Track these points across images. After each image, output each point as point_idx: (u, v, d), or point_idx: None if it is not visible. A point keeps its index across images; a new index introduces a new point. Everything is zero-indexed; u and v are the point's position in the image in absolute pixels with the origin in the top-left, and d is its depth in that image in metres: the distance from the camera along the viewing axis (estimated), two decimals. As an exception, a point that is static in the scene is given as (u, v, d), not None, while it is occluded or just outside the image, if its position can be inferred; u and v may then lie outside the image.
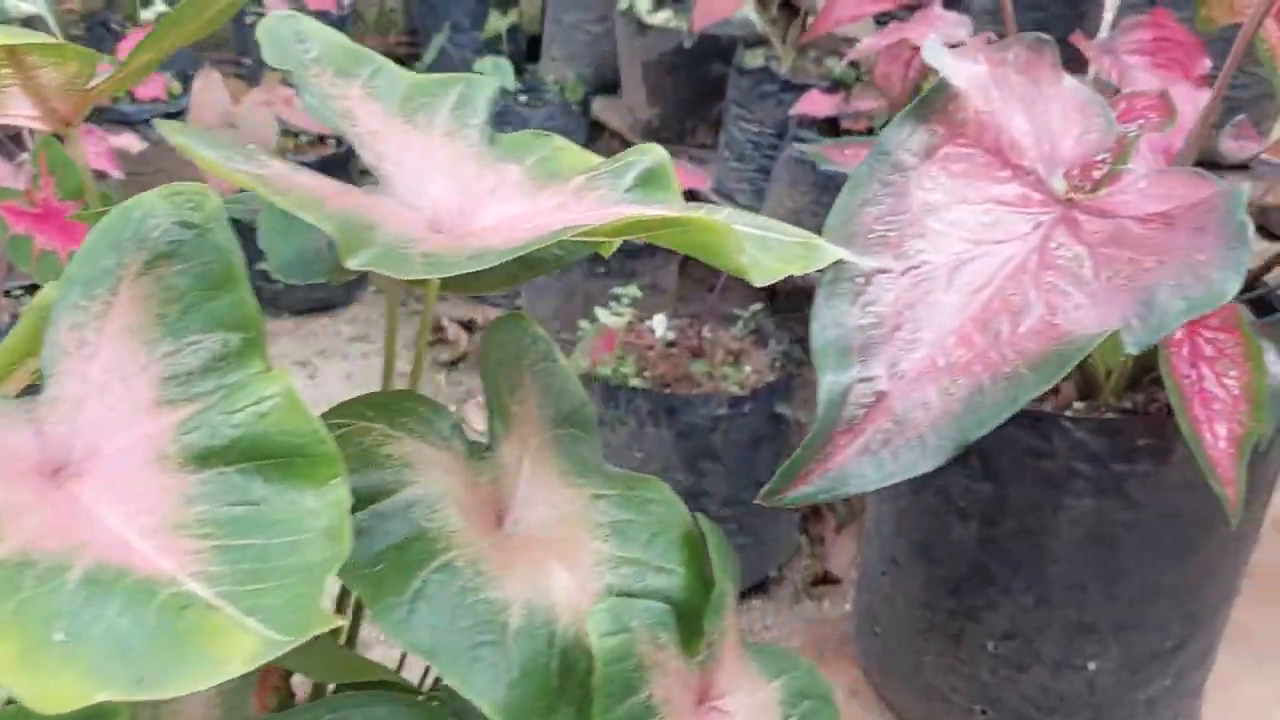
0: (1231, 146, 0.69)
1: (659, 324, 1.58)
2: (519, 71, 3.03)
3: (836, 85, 2.01)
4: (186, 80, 2.53)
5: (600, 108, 2.63)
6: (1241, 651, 1.12)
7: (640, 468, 1.50)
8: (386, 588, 0.44)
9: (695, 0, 2.02)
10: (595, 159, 0.60)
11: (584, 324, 1.56)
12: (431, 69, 2.78)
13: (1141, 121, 0.75)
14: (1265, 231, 1.73)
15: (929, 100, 0.61)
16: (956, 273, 0.56)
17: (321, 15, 2.85)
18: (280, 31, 0.56)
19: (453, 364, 2.09)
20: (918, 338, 0.52)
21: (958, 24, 1.39)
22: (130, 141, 2.04)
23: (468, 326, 2.20)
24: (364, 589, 0.44)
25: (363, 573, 0.45)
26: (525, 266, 0.57)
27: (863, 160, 0.60)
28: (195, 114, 2.05)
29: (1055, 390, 0.90)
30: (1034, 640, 0.86)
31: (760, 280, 0.51)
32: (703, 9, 1.96)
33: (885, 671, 1.01)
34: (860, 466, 0.49)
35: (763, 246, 0.53)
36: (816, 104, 1.75)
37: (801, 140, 1.76)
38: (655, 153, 0.59)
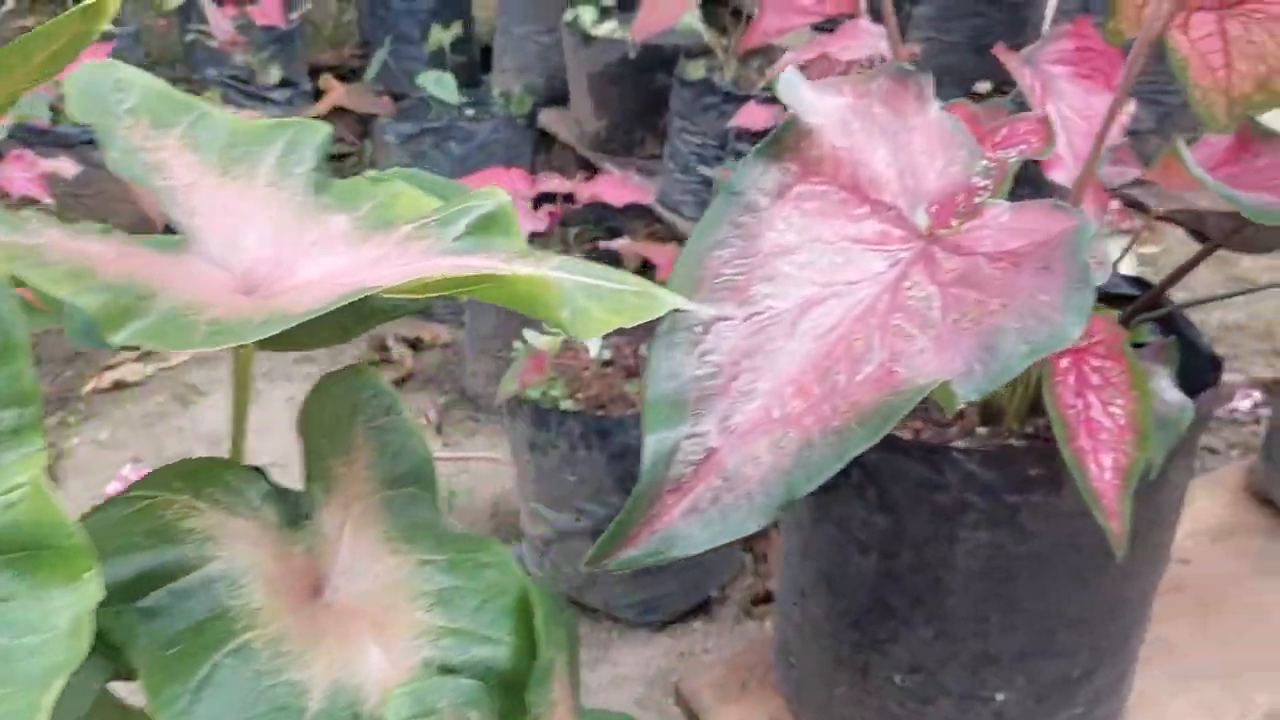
0: (1110, 173, 0.68)
1: (593, 343, 1.56)
2: (473, 83, 3.02)
3: (774, 98, 1.99)
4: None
5: (550, 119, 2.61)
6: (1166, 668, 1.11)
7: (573, 491, 1.48)
8: (171, 675, 0.42)
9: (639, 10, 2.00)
10: (433, 204, 0.58)
11: (517, 345, 1.54)
12: (376, 83, 2.76)
13: (1023, 147, 0.74)
14: (1201, 236, 1.72)
15: (780, 138, 0.59)
16: (803, 317, 0.54)
17: (268, 29, 2.83)
18: (95, 80, 0.54)
19: (399, 383, 2.07)
20: (754, 388, 0.51)
21: (881, 37, 1.37)
22: (65, 165, 2.01)
23: (414, 345, 2.18)
24: (151, 679, 0.42)
25: (156, 657, 0.43)
26: (357, 319, 0.55)
27: (715, 201, 0.58)
28: (128, 136, 2.02)
29: (961, 414, 0.88)
30: (938, 673, 0.84)
31: (586, 335, 0.49)
32: (644, 19, 1.93)
33: (801, 702, 0.99)
34: (688, 527, 0.47)
35: (594, 296, 0.51)
36: (754, 117, 1.74)
37: (741, 154, 1.75)
38: (494, 196, 0.57)
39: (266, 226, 0.52)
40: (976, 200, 0.62)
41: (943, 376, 0.49)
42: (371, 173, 0.60)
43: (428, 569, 0.50)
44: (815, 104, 0.61)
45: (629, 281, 0.53)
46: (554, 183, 1.97)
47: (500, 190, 0.58)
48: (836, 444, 0.47)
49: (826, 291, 0.56)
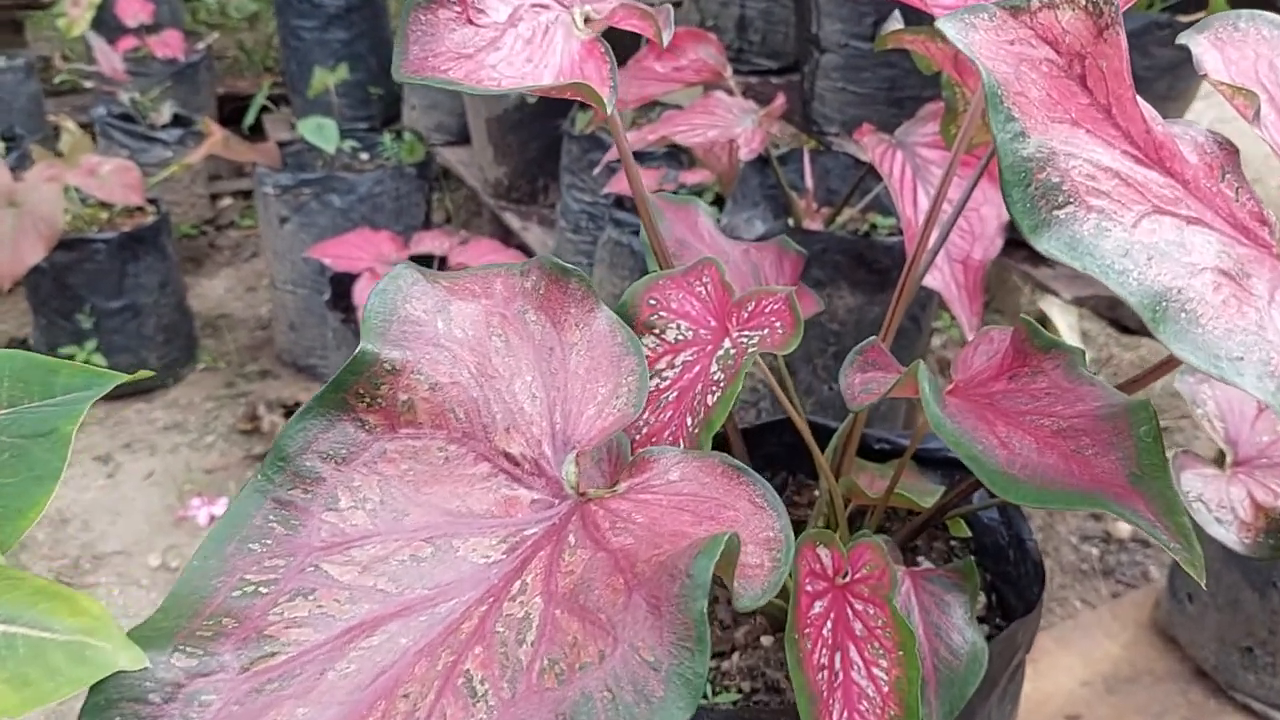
0: (855, 383, 0.52)
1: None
2: (388, 120, 2.86)
3: (675, 152, 1.84)
4: (10, 140, 2.35)
5: (458, 159, 2.45)
6: None
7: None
8: None
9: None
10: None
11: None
12: (287, 121, 2.60)
13: (766, 331, 0.58)
14: (1119, 325, 1.57)
15: (344, 382, 0.44)
16: (340, 657, 0.39)
17: (168, 62, 2.67)
18: None
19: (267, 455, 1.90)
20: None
21: (743, 112, 1.21)
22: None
23: (291, 410, 2.02)
24: None
25: None
26: None
27: (258, 472, 0.43)
28: (-37, 195, 1.86)
29: (752, 615, 0.73)
30: None
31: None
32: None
33: None
34: None
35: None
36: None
37: (618, 222, 1.59)
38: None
39: None
40: (635, 455, 0.46)
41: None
42: None
43: None
44: (416, 329, 0.46)
45: (66, 626, 0.37)
46: (431, 242, 1.82)
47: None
48: None
49: (393, 607, 0.41)
